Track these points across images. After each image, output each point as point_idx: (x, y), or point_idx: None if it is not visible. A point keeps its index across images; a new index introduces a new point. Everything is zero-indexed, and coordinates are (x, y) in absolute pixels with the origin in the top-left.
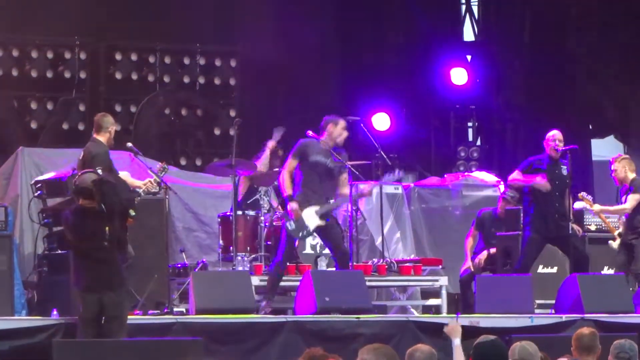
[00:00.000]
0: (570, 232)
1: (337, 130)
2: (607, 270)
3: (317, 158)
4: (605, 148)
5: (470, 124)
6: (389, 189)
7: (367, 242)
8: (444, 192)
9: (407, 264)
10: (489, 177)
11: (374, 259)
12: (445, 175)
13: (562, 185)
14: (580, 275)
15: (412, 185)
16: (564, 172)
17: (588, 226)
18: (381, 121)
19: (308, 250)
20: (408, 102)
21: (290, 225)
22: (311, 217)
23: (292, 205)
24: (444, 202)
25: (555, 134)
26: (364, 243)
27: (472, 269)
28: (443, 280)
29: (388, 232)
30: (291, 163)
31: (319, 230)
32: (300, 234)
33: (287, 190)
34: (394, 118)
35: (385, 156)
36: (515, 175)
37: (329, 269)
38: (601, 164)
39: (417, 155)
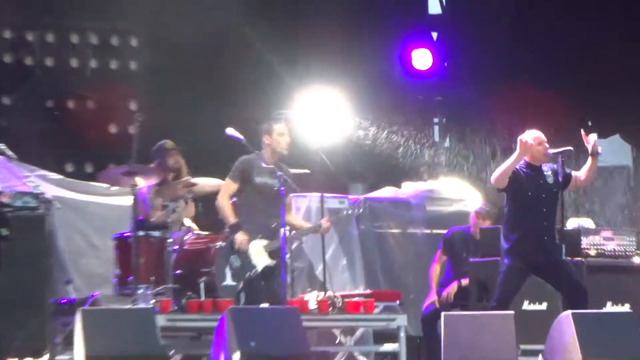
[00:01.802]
0: (562, 257)
1: (275, 140)
2: (611, 307)
3: (262, 180)
4: (608, 151)
5: (436, 119)
6: (331, 202)
7: (304, 270)
8: (403, 206)
9: (356, 299)
10: (460, 188)
11: (312, 293)
12: (404, 185)
13: (550, 198)
14: (577, 313)
15: (361, 198)
16: (549, 180)
17: (587, 250)
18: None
19: (229, 281)
20: (355, 93)
21: (235, 261)
22: (259, 254)
23: (241, 238)
24: (402, 220)
25: (537, 135)
26: (301, 272)
27: (438, 305)
28: (401, 320)
29: (331, 259)
30: (230, 186)
31: (265, 272)
32: (248, 275)
33: (231, 217)
34: (336, 113)
35: (327, 161)
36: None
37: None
38: (603, 172)
39: (368, 159)
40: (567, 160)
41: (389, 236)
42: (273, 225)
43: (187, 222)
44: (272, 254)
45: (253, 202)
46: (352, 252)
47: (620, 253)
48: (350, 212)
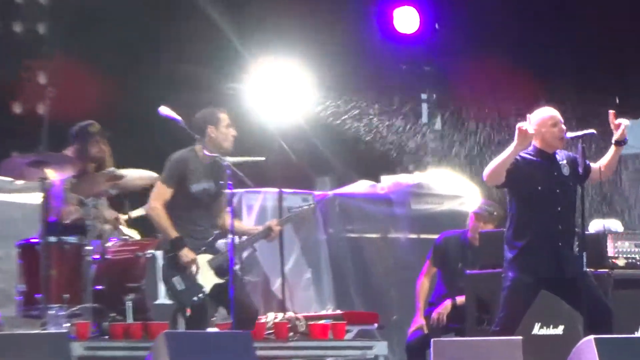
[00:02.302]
0: (582, 269)
1: (222, 132)
2: None
3: (199, 187)
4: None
5: (424, 96)
6: (292, 200)
7: (258, 286)
8: (382, 204)
9: (323, 322)
10: (454, 182)
11: (269, 314)
12: (383, 179)
13: (567, 194)
14: (601, 339)
15: (330, 194)
16: (565, 172)
17: (614, 260)
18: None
19: (162, 299)
20: (322, 64)
21: (179, 284)
22: (204, 271)
23: (189, 256)
24: (381, 221)
25: (553, 114)
26: (254, 288)
27: (427, 330)
28: (380, 348)
29: (292, 271)
30: (165, 192)
31: (214, 292)
32: (196, 298)
33: (171, 230)
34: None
35: (287, 148)
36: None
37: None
38: (634, 161)
39: (339, 146)
40: (588, 147)
41: (364, 242)
42: (214, 234)
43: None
44: (219, 270)
45: (189, 212)
46: (319, 262)
47: None
48: (308, 207)
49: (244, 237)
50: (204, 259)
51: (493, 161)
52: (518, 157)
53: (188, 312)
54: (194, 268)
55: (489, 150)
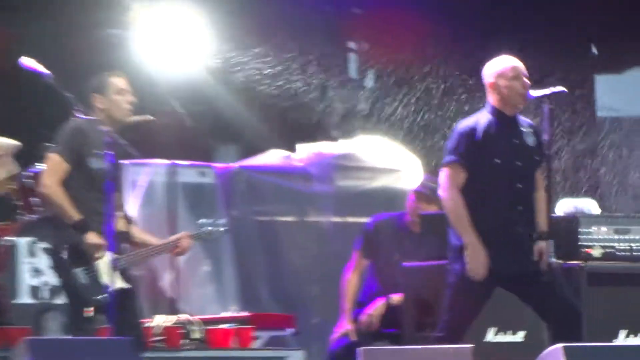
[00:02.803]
0: (548, 262)
1: (112, 100)
2: (626, 339)
3: (99, 164)
4: (624, 94)
5: (352, 44)
6: (188, 174)
7: (143, 281)
8: (299, 180)
9: (225, 326)
10: (389, 152)
11: (156, 317)
12: (300, 148)
13: (530, 170)
14: (571, 348)
15: (234, 166)
16: (529, 141)
17: (588, 250)
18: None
19: (26, 298)
20: (221, 6)
21: (83, 277)
22: (109, 271)
23: (96, 241)
24: (298, 201)
25: (514, 64)
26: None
27: (354, 336)
28: (296, 358)
29: (186, 263)
30: (60, 166)
31: (118, 297)
32: (100, 297)
33: (72, 211)
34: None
35: (181, 110)
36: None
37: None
38: (616, 127)
39: (244, 107)
40: (557, 108)
41: (277, 227)
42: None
43: None
44: (124, 274)
45: (84, 194)
46: (220, 251)
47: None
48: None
49: (140, 250)
50: (106, 256)
51: (455, 214)
52: (473, 126)
53: (88, 312)
54: (101, 261)
55: (432, 112)
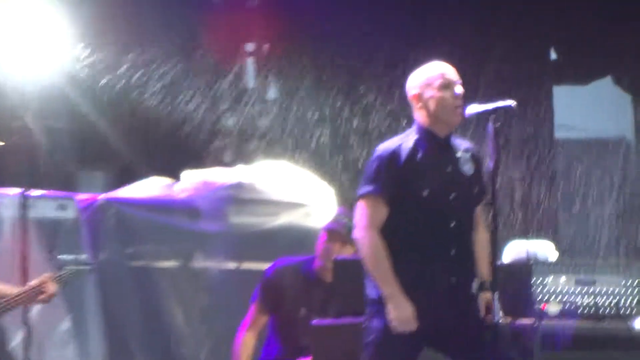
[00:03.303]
0: (494, 319)
1: None
2: None
3: None
4: (587, 109)
5: (249, 46)
6: (42, 207)
7: None
8: (183, 216)
9: None
10: (297, 180)
11: None
12: (184, 176)
13: (466, 201)
14: None
15: (101, 198)
16: (466, 168)
17: (542, 306)
18: None
19: None
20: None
21: None
22: None
23: None
24: (181, 242)
25: (443, 70)
26: None
27: None
28: None
29: (41, 317)
30: None
31: None
32: None
33: None
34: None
35: (36, 129)
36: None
37: None
38: (579, 149)
39: (115, 124)
40: (504, 127)
41: (155, 274)
42: None
43: None
44: None
45: None
46: (83, 303)
47: (607, 309)
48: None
49: None
50: None
51: (375, 265)
52: (397, 149)
53: None
54: None
55: (349, 133)
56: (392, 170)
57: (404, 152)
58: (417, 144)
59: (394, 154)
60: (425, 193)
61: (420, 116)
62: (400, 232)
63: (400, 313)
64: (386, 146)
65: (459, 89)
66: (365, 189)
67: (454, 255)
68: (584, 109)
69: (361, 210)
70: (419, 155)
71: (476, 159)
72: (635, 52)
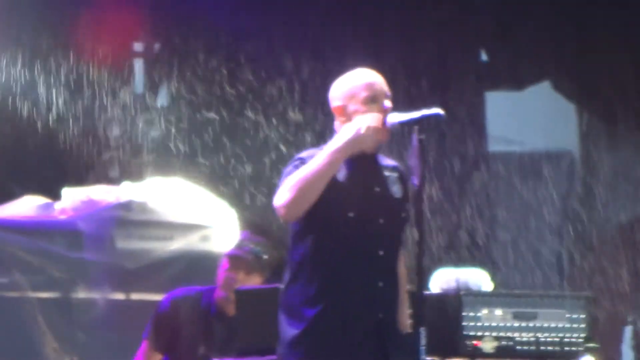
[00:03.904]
0: (418, 358)
1: None
2: None
3: None
4: (522, 119)
5: (138, 46)
6: None
7: None
8: (61, 239)
9: None
10: (190, 199)
11: None
12: (64, 193)
13: (394, 227)
14: None
15: None
16: (394, 189)
17: (475, 343)
18: None
19: None
20: None
21: None
22: None
23: None
24: (60, 270)
25: (370, 80)
26: None
27: None
28: None
29: None
30: None
31: None
32: None
33: None
34: None
35: None
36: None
37: None
38: (516, 164)
39: None
40: (431, 139)
41: (29, 306)
42: None
43: None
44: None
45: None
46: None
47: (550, 347)
48: None
49: None
50: None
51: (296, 177)
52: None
53: None
54: None
55: (256, 144)
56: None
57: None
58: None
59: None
60: (350, 214)
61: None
62: (322, 259)
63: (356, 124)
64: (307, 154)
65: (387, 103)
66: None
67: (381, 288)
68: (519, 118)
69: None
70: (344, 172)
71: (403, 180)
72: (576, 52)
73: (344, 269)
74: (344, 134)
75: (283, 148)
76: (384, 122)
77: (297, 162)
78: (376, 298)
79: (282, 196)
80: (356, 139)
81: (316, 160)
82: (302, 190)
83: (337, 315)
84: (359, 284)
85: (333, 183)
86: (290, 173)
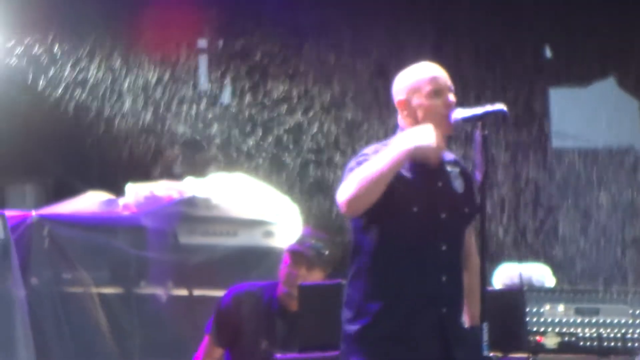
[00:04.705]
0: (482, 355)
1: None
2: None
3: None
4: (586, 115)
5: (202, 43)
6: None
7: None
8: (126, 235)
9: None
10: (257, 196)
11: None
12: (128, 189)
13: (457, 222)
14: None
15: (33, 215)
16: (457, 185)
17: (539, 338)
18: None
19: None
20: None
21: None
22: None
23: None
24: (124, 265)
25: (434, 74)
26: None
27: None
28: None
29: None
30: None
31: None
32: None
33: None
34: None
35: None
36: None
37: None
38: (577, 159)
39: (51, 131)
40: (496, 135)
41: (93, 301)
42: None
43: None
44: None
45: None
46: (12, 337)
47: (612, 343)
48: None
49: None
50: None
51: (360, 174)
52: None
53: None
54: None
55: (318, 141)
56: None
57: None
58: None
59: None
60: (414, 209)
61: (406, 124)
62: (385, 254)
63: (417, 134)
64: (371, 150)
65: (451, 97)
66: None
67: (445, 282)
68: (584, 115)
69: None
70: (407, 166)
71: (466, 174)
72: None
73: (407, 264)
74: (413, 136)
75: (343, 146)
76: (447, 117)
77: (360, 159)
78: (439, 293)
79: (344, 192)
80: (423, 148)
81: (380, 158)
82: (365, 187)
83: (400, 310)
84: (422, 278)
85: (397, 177)
86: (353, 169)
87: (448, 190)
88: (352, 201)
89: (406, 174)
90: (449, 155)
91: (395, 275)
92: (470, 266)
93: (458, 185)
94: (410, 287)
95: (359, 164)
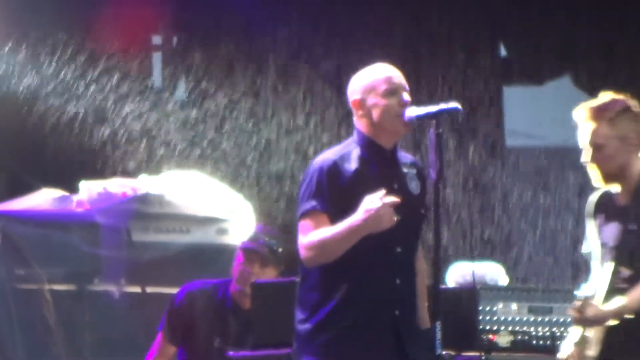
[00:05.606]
0: (436, 354)
1: None
2: None
3: None
4: (542, 113)
5: (157, 39)
6: None
7: None
8: (79, 232)
9: None
10: (207, 192)
11: None
12: (82, 186)
13: (414, 227)
14: None
15: None
16: (412, 186)
17: (492, 336)
18: None
19: None
20: None
21: None
22: None
23: None
24: (76, 262)
25: (389, 74)
26: None
27: None
28: None
29: None
30: None
31: None
32: None
33: None
34: None
35: None
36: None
37: None
38: (532, 157)
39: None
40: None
41: (43, 298)
42: None
43: None
44: None
45: None
46: None
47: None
48: None
49: None
50: None
51: (318, 238)
52: (336, 162)
53: None
54: None
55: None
56: (335, 184)
57: (347, 165)
58: (360, 156)
59: (336, 167)
60: None
61: (362, 125)
62: (340, 258)
63: (372, 212)
64: (326, 157)
65: (406, 96)
66: (307, 205)
67: (399, 285)
68: (538, 113)
69: (304, 230)
70: (363, 168)
71: (420, 174)
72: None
73: (361, 265)
74: (372, 223)
75: (307, 144)
76: (402, 117)
77: (311, 185)
78: (393, 295)
79: (304, 252)
80: (375, 221)
81: (336, 233)
82: (324, 255)
83: (353, 311)
84: (376, 280)
85: (354, 181)
86: (311, 182)
87: (404, 192)
88: (311, 261)
89: (362, 177)
90: (406, 157)
91: (348, 277)
92: (417, 271)
93: (414, 186)
94: (364, 290)
95: (320, 180)
